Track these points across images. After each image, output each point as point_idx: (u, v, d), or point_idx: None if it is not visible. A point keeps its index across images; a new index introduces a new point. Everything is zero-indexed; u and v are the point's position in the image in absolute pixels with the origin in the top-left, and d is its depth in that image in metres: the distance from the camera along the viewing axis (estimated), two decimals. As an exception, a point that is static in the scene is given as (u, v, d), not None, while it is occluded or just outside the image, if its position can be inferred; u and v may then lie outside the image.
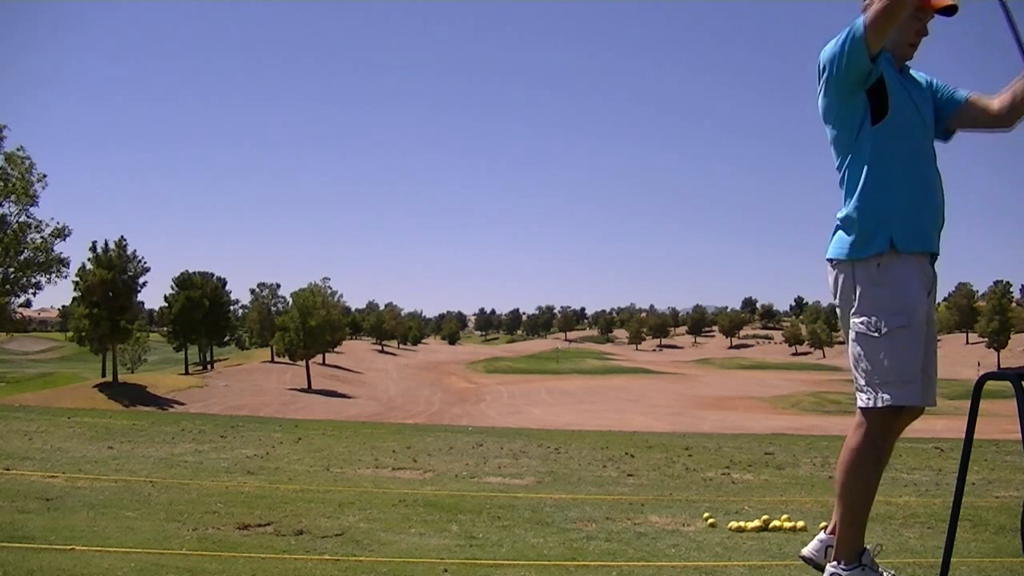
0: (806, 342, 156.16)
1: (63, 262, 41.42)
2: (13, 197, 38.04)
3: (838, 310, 2.67)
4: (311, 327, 77.31)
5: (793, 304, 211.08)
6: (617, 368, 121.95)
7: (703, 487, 6.07)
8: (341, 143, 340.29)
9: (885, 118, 2.54)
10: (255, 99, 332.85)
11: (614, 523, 4.38)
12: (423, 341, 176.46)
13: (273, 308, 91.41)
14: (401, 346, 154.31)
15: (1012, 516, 4.58)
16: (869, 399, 2.52)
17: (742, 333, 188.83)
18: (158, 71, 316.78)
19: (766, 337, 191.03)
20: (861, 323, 2.53)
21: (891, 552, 3.53)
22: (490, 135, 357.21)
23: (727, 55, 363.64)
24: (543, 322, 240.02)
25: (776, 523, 4.22)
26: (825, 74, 2.60)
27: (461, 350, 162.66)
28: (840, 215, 2.62)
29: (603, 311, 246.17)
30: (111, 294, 62.03)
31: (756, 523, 4.21)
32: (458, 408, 65.50)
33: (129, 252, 64.04)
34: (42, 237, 39.93)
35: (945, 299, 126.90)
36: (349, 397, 74.46)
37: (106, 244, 63.37)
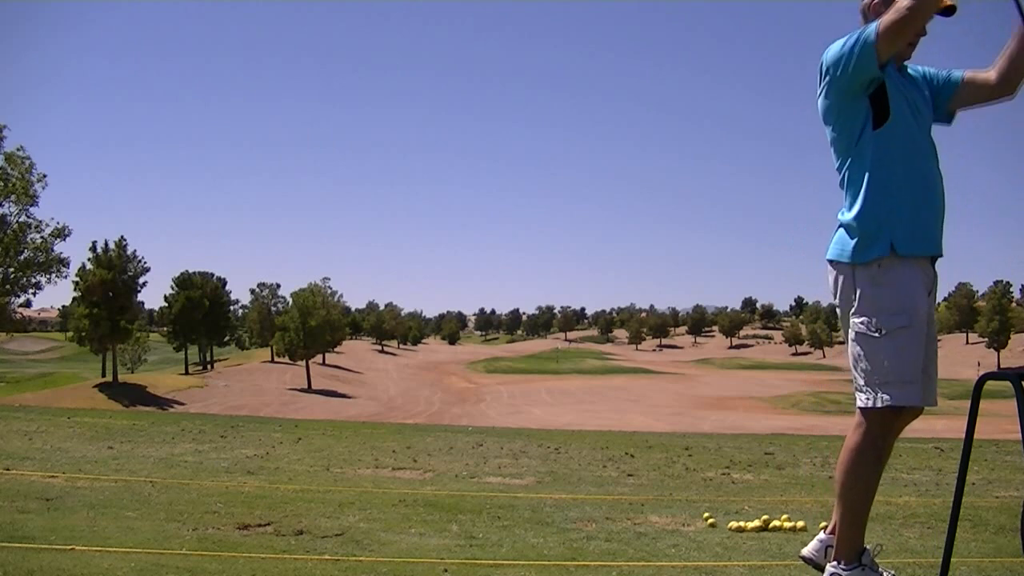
0: (806, 342, 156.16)
1: (63, 262, 41.44)
2: (13, 197, 38.04)
3: (838, 310, 2.67)
4: (311, 327, 77.32)
5: (793, 304, 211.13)
6: (617, 368, 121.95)
7: (703, 487, 6.08)
8: (341, 143, 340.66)
9: (887, 123, 2.53)
10: (255, 99, 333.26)
11: (614, 523, 4.38)
12: (423, 341, 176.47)
13: (273, 308, 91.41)
14: (401, 346, 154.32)
15: (1012, 516, 4.58)
16: (869, 399, 2.52)
17: (742, 333, 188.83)
18: (158, 71, 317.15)
19: (766, 337, 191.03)
20: (861, 323, 2.53)
21: (891, 552, 3.53)
22: (490, 135, 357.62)
23: (727, 55, 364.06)
24: (543, 322, 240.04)
25: (776, 523, 4.22)
26: (828, 76, 2.58)
27: (461, 350, 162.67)
28: (841, 217, 2.62)
29: (603, 311, 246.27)
30: (111, 294, 62.03)
31: (756, 523, 4.21)
32: (458, 408, 65.50)
33: (129, 252, 64.07)
34: (42, 237, 39.95)
35: (945, 299, 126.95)
36: (349, 397, 74.46)
37: (106, 244, 63.43)
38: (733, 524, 4.24)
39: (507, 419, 49.31)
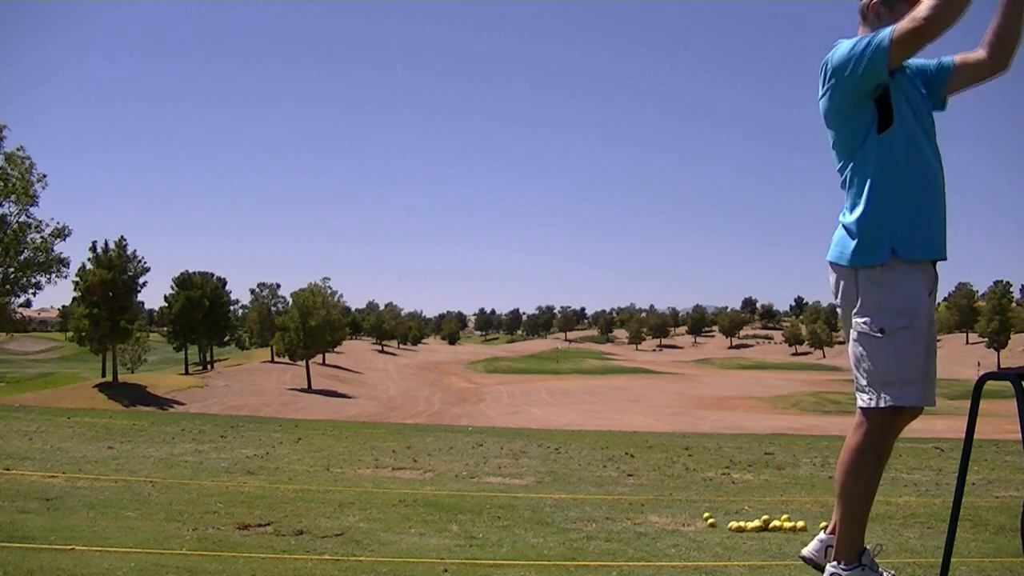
0: (806, 342, 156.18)
1: (63, 262, 41.44)
2: (13, 197, 38.04)
3: (839, 311, 2.67)
4: (311, 327, 77.32)
5: (793, 304, 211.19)
6: (617, 368, 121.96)
7: (703, 487, 6.07)
8: (341, 143, 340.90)
9: (890, 127, 2.52)
10: (255, 99, 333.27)
11: (614, 523, 4.38)
12: (423, 341, 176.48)
13: (273, 308, 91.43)
14: (401, 346, 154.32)
15: (1012, 516, 4.58)
16: (871, 399, 2.52)
17: (742, 333, 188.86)
18: (158, 71, 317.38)
19: (766, 337, 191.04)
20: (863, 323, 2.53)
21: (891, 552, 3.53)
22: (490, 135, 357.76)
23: (727, 55, 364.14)
24: (543, 322, 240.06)
25: (776, 523, 4.22)
26: (833, 79, 2.56)
27: (461, 350, 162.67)
28: (843, 219, 2.61)
29: (603, 311, 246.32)
30: (111, 294, 62.03)
31: (756, 523, 4.21)
32: (458, 408, 65.51)
33: (129, 252, 64.06)
34: (42, 237, 39.94)
35: (945, 299, 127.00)
36: (349, 397, 74.46)
37: (106, 244, 63.44)
38: (733, 524, 4.24)
39: (507, 419, 49.32)
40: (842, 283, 2.60)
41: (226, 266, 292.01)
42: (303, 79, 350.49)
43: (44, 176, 38.91)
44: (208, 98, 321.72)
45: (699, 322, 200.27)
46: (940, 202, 2.58)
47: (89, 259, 62.20)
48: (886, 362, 2.49)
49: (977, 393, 2.48)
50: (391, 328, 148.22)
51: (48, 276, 40.90)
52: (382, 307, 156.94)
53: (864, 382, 2.54)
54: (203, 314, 79.62)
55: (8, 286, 40.05)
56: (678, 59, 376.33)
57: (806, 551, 2.81)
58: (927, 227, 2.54)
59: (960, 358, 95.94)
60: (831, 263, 2.65)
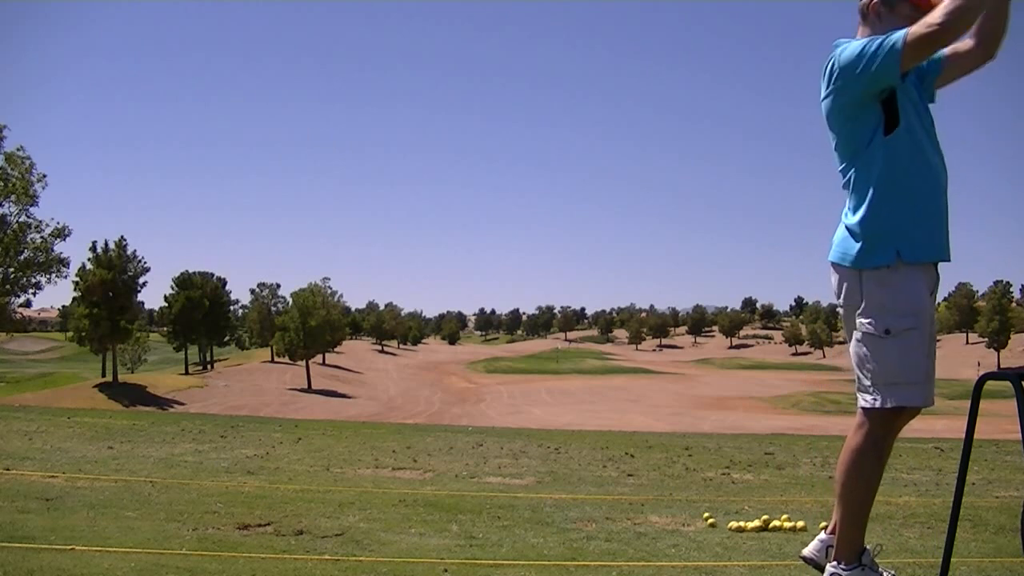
0: (806, 342, 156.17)
1: (63, 262, 41.46)
2: (13, 197, 38.05)
3: (841, 311, 2.66)
4: (311, 327, 77.32)
5: (793, 304, 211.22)
6: (617, 368, 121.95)
7: (703, 487, 6.07)
8: (341, 143, 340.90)
9: (897, 128, 2.51)
10: (255, 99, 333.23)
11: (614, 523, 4.38)
12: (423, 341, 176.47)
13: (273, 308, 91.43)
14: (401, 346, 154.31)
15: (1012, 516, 4.58)
16: (875, 400, 2.51)
17: (742, 333, 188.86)
18: (158, 71, 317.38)
19: (766, 337, 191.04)
20: (868, 324, 2.51)
21: (891, 552, 3.53)
22: (490, 135, 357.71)
23: (727, 55, 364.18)
24: (543, 322, 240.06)
25: (776, 523, 4.22)
26: (840, 80, 2.53)
27: (461, 350, 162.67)
28: (847, 221, 2.59)
29: (603, 311, 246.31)
30: (111, 294, 62.03)
31: (756, 523, 4.21)
32: (458, 408, 65.51)
33: (129, 252, 64.06)
34: (42, 237, 39.96)
35: (945, 299, 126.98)
36: (349, 397, 74.46)
37: (106, 244, 63.43)
38: (733, 524, 4.24)
39: (507, 419, 49.31)
40: (845, 284, 2.59)
41: (226, 266, 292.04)
42: (303, 79, 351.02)
43: (44, 176, 39.01)
44: (208, 98, 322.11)
45: (699, 322, 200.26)
46: (943, 203, 2.57)
47: (89, 259, 62.25)
48: (891, 363, 2.48)
49: (977, 393, 2.48)
50: (391, 328, 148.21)
51: (48, 276, 40.94)
52: (382, 307, 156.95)
53: (868, 383, 2.53)
54: (203, 314, 79.61)
55: (8, 286, 40.06)
56: (678, 59, 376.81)
57: (807, 551, 2.81)
58: (931, 229, 2.53)
59: (960, 358, 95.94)
60: (834, 264, 2.63)
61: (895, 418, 2.55)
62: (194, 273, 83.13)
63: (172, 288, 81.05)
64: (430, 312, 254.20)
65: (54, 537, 3.59)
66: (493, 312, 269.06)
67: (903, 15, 2.53)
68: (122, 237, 64.04)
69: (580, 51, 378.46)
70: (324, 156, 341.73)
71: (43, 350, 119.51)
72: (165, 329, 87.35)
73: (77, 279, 60.44)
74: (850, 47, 2.52)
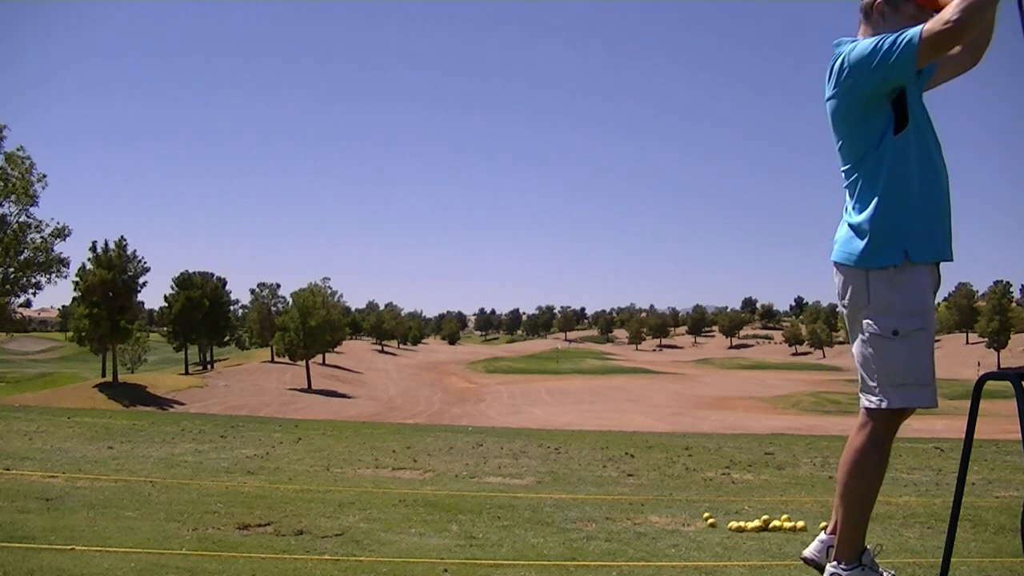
0: (806, 342, 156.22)
1: (63, 262, 41.48)
2: (13, 197, 38.06)
3: (844, 311, 2.64)
4: (311, 327, 77.33)
5: (793, 304, 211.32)
6: (617, 368, 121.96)
7: (703, 487, 6.07)
8: (341, 143, 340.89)
9: (906, 128, 2.49)
10: (255, 99, 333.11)
11: (614, 523, 4.38)
12: (423, 341, 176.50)
13: (273, 308, 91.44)
14: (401, 346, 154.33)
15: (1012, 516, 4.57)
16: (880, 400, 2.50)
17: (742, 333, 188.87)
18: (158, 71, 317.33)
19: (766, 337, 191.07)
20: (876, 325, 2.49)
21: (891, 552, 3.53)
22: (490, 135, 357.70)
23: (727, 55, 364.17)
24: (543, 322, 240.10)
25: (776, 523, 4.22)
26: (850, 78, 2.50)
27: (461, 350, 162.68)
28: (851, 220, 2.57)
29: (603, 311, 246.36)
30: (111, 294, 62.04)
31: (756, 523, 4.21)
32: (458, 408, 65.51)
33: (129, 252, 64.10)
34: (42, 237, 39.97)
35: (945, 299, 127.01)
36: (349, 397, 74.47)
37: (106, 244, 63.46)
38: (733, 524, 4.24)
39: (507, 419, 49.32)
40: (851, 285, 2.56)
41: (226, 266, 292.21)
42: (303, 79, 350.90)
43: (44, 176, 39.04)
44: (208, 98, 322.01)
45: (699, 322, 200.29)
46: (948, 202, 2.57)
47: (89, 259, 62.28)
48: (899, 364, 2.47)
49: (977, 393, 2.48)
50: (391, 328, 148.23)
51: (48, 276, 40.96)
52: (382, 307, 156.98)
53: (873, 383, 2.51)
54: (203, 314, 79.62)
55: (8, 286, 40.07)
56: (678, 59, 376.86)
57: (807, 552, 2.81)
58: (937, 228, 2.53)
59: (960, 358, 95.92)
60: (838, 264, 2.61)
61: (899, 418, 2.55)
62: (194, 273, 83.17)
63: (172, 288, 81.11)
64: (430, 312, 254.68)
65: (54, 537, 3.59)
66: (493, 312, 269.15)
67: (907, 15, 2.53)
68: (122, 237, 64.18)
69: (580, 51, 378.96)
70: (324, 156, 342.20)
71: (43, 350, 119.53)
72: (165, 329, 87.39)
73: (77, 279, 60.49)
74: (861, 44, 2.50)
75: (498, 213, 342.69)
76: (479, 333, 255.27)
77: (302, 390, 74.26)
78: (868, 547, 2.59)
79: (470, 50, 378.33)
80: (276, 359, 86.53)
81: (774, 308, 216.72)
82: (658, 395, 78.43)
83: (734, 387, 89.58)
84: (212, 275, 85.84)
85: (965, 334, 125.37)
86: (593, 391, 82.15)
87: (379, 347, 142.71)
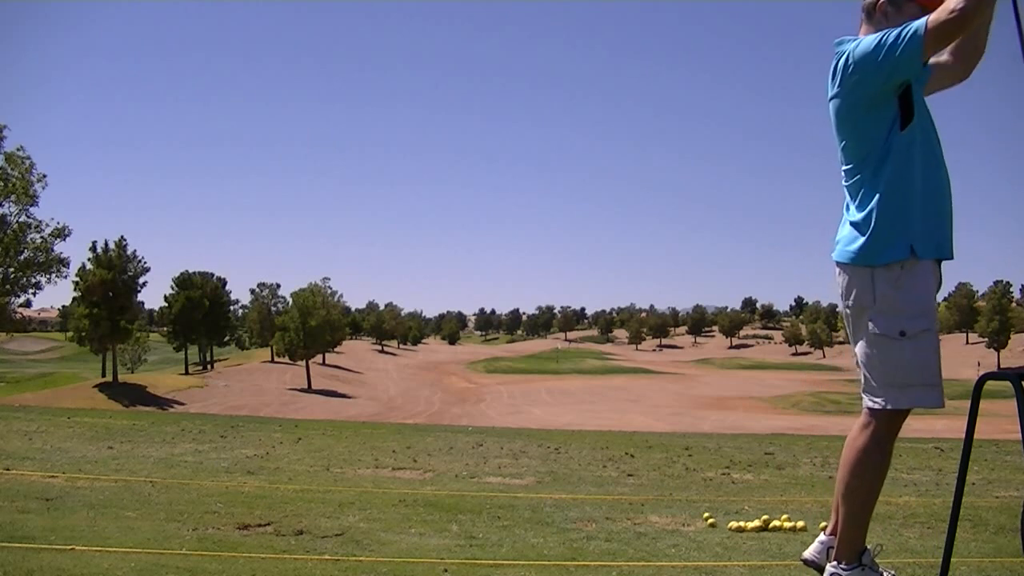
0: (806, 342, 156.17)
1: (63, 262, 41.47)
2: (13, 197, 38.06)
3: (847, 311, 2.61)
4: (311, 327, 77.32)
5: (793, 304, 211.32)
6: (617, 368, 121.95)
7: (703, 487, 6.07)
8: (341, 143, 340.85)
9: (911, 123, 2.48)
10: (255, 99, 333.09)
11: (614, 523, 4.38)
12: (423, 341, 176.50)
13: (273, 308, 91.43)
14: (401, 346, 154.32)
15: (1012, 516, 4.57)
16: (885, 401, 2.48)
17: (742, 333, 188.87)
18: (158, 71, 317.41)
19: (766, 337, 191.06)
20: (881, 326, 2.48)
21: (891, 552, 3.52)
22: (490, 135, 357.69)
23: (727, 55, 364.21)
24: (543, 322, 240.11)
25: (776, 523, 4.22)
26: (856, 74, 2.48)
27: (461, 350, 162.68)
28: (855, 217, 2.55)
29: (603, 311, 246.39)
30: (111, 294, 62.03)
31: (756, 523, 4.21)
32: (458, 408, 65.50)
33: (129, 252, 64.08)
34: (42, 237, 39.97)
35: (945, 299, 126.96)
36: (349, 397, 74.46)
37: (106, 244, 63.44)
38: (733, 524, 4.24)
39: (507, 419, 49.31)
40: (856, 285, 2.54)
41: (226, 266, 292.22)
42: (303, 79, 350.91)
43: (44, 176, 39.02)
44: (208, 98, 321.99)
45: (699, 322, 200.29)
46: (950, 200, 2.56)
47: (89, 259, 62.26)
48: (905, 365, 2.45)
49: (977, 393, 2.48)
50: (391, 328, 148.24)
51: (48, 276, 40.95)
52: (382, 307, 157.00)
53: (878, 384, 2.50)
54: (203, 314, 79.61)
55: (8, 286, 40.06)
56: (678, 59, 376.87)
57: (807, 553, 2.80)
58: (941, 225, 2.52)
59: (960, 358, 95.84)
60: (842, 264, 2.58)
61: (902, 419, 2.54)
62: (194, 273, 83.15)
63: (172, 288, 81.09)
64: (430, 312, 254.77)
65: (54, 537, 3.59)
66: (493, 312, 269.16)
67: (910, 15, 2.51)
68: (122, 237, 64.17)
69: (580, 51, 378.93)
70: (324, 156, 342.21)
71: (43, 350, 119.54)
72: (165, 329, 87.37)
73: (77, 279, 60.48)
74: (865, 40, 2.48)
75: (498, 213, 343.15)
76: (479, 333, 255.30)
77: (302, 390, 74.25)
78: (868, 547, 2.59)
79: (470, 50, 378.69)
80: (276, 359, 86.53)
81: (774, 308, 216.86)
82: (658, 395, 78.42)
83: (734, 387, 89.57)
84: (212, 275, 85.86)
85: (965, 334, 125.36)
86: (593, 391, 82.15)
87: (379, 347, 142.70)
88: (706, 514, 4.53)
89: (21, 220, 38.97)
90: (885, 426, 2.52)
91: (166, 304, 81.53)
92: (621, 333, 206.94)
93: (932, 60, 2.60)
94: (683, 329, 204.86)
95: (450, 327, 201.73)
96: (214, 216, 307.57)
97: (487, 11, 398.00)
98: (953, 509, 2.58)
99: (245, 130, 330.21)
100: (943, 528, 3.51)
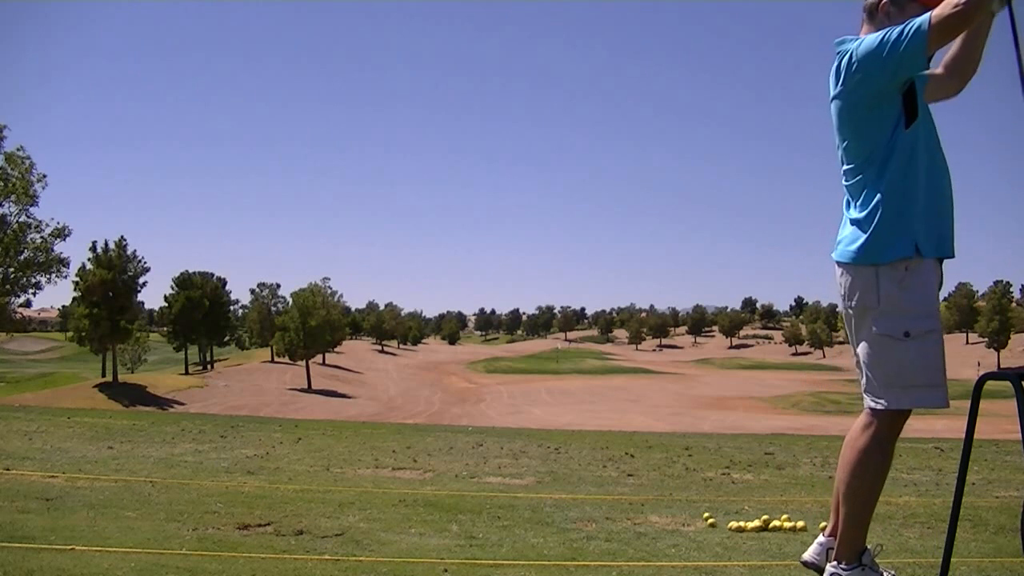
0: (806, 342, 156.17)
1: (63, 262, 41.50)
2: (13, 197, 38.08)
3: (849, 311, 2.59)
4: (311, 327, 77.33)
5: (793, 304, 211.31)
6: (617, 368, 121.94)
7: (703, 487, 6.07)
8: (341, 143, 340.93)
9: (915, 121, 2.47)
10: (255, 99, 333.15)
11: (614, 523, 4.38)
12: (423, 341, 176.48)
13: (273, 308, 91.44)
14: (401, 346, 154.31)
15: (1012, 516, 4.57)
16: (888, 402, 2.48)
17: (742, 333, 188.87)
18: (158, 71, 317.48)
19: (766, 337, 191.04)
20: (886, 327, 2.47)
21: (891, 552, 3.52)
22: (490, 135, 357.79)
23: (727, 55, 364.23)
24: (543, 322, 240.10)
25: (776, 523, 4.22)
26: (860, 72, 2.46)
27: (461, 350, 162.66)
28: (858, 215, 2.53)
29: (603, 311, 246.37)
30: (111, 294, 62.04)
31: (756, 523, 4.21)
32: (458, 408, 65.50)
33: (129, 252, 64.09)
34: (42, 237, 40.00)
35: (945, 299, 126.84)
36: (349, 397, 74.45)
37: (106, 244, 63.45)
38: (733, 524, 4.24)
39: (507, 419, 49.31)
40: (858, 285, 2.52)
41: (226, 266, 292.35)
42: (303, 79, 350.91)
43: (44, 176, 39.08)
44: (208, 98, 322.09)
45: (699, 322, 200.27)
46: (952, 199, 2.55)
47: (89, 259, 62.27)
48: (910, 365, 2.44)
49: (977, 393, 2.48)
50: (391, 328, 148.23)
51: (48, 276, 40.98)
52: (382, 307, 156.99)
53: (880, 384, 2.49)
54: (203, 314, 79.62)
55: (8, 286, 40.08)
56: (678, 59, 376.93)
57: (807, 555, 2.79)
58: (944, 223, 2.51)
59: (960, 358, 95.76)
60: (844, 264, 2.56)
61: (904, 419, 2.54)
62: (194, 273, 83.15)
63: (172, 288, 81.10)
64: (430, 312, 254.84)
65: (54, 537, 3.59)
66: (493, 312, 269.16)
67: (912, 15, 2.51)
68: (122, 237, 64.18)
69: (580, 51, 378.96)
70: (324, 156, 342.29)
71: (43, 350, 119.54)
72: (165, 329, 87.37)
73: (77, 279, 60.49)
74: (868, 39, 2.47)
75: (498, 213, 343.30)
76: (479, 333, 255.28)
77: (302, 390, 74.24)
78: (868, 547, 2.59)
79: (470, 50, 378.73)
80: (276, 359, 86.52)
81: (774, 308, 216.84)
82: (658, 395, 78.42)
83: (734, 387, 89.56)
84: (212, 275, 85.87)
85: (965, 334, 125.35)
86: (593, 391, 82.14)
87: (379, 347, 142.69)
88: (706, 514, 4.53)
89: (21, 220, 39.04)
90: (887, 427, 2.52)
91: (166, 304, 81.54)
92: (621, 333, 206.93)
93: (928, 72, 2.60)
94: (683, 329, 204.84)
95: (450, 327, 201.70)
96: (214, 216, 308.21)
97: (487, 11, 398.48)
98: (953, 509, 2.58)
99: (245, 130, 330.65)
100: (943, 528, 3.51)
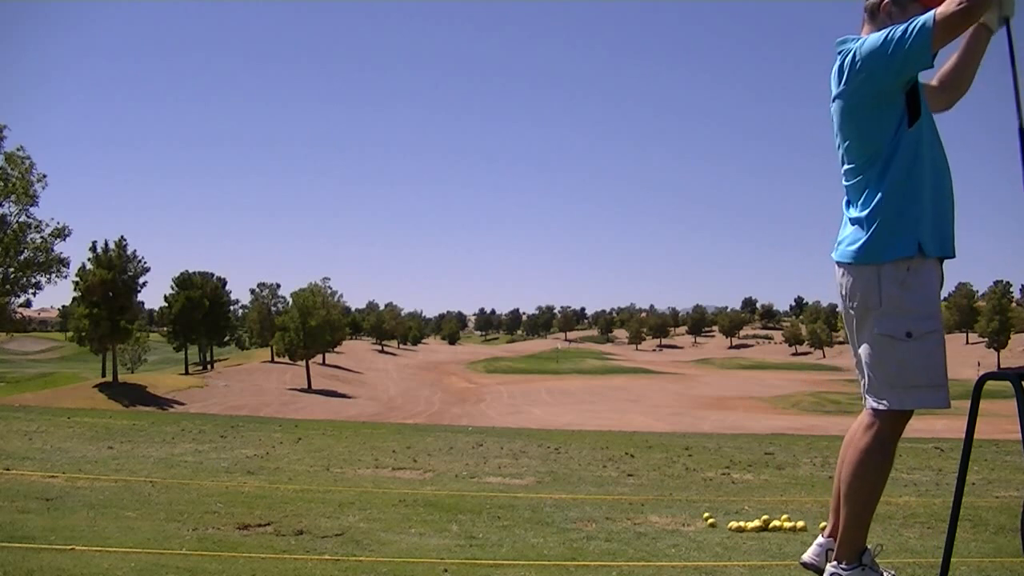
0: (806, 342, 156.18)
1: (63, 262, 41.47)
2: (13, 197, 38.06)
3: (851, 311, 2.58)
4: (311, 327, 77.33)
5: (793, 304, 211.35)
6: (617, 368, 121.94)
7: (703, 487, 6.07)
8: (341, 143, 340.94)
9: (919, 120, 2.47)
10: (255, 99, 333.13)
11: (614, 523, 4.38)
12: (423, 341, 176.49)
13: (273, 308, 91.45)
14: (401, 346, 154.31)
15: (1012, 516, 4.57)
16: (889, 402, 2.47)
17: (742, 333, 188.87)
18: (158, 71, 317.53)
19: (766, 337, 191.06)
20: (888, 327, 2.46)
21: (891, 552, 3.52)
22: (490, 135, 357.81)
23: (727, 55, 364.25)
24: (543, 322, 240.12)
25: (776, 523, 4.22)
26: (863, 71, 2.45)
27: (461, 350, 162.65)
28: (860, 214, 2.52)
29: (603, 311, 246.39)
30: (111, 294, 62.04)
31: (756, 523, 4.21)
32: (458, 408, 65.50)
33: (129, 252, 64.10)
34: (42, 237, 39.97)
35: (945, 299, 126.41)
36: (349, 397, 74.45)
37: (106, 244, 63.46)
38: (733, 524, 4.24)
39: (507, 419, 49.31)
40: (859, 285, 2.51)
41: (226, 266, 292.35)
42: (303, 79, 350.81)
43: (44, 176, 39.02)
44: (208, 98, 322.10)
45: (699, 322, 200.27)
46: (953, 198, 2.55)
47: (89, 259, 62.27)
48: (912, 366, 2.44)
49: (977, 393, 2.48)
50: (391, 328, 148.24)
51: (48, 276, 40.95)
52: (382, 307, 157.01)
53: (882, 385, 2.49)
54: (203, 314, 79.62)
55: (8, 286, 40.06)
56: (678, 59, 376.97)
57: (806, 556, 2.78)
58: (945, 223, 2.51)
59: (960, 358, 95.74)
60: (846, 264, 2.55)
61: (906, 419, 2.54)
62: (194, 273, 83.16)
63: (172, 288, 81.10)
64: (430, 312, 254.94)
65: (54, 537, 3.59)
66: (493, 312, 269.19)
67: (914, 15, 2.51)
68: (122, 237, 64.18)
69: (580, 51, 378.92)
70: (324, 156, 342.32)
71: (43, 350, 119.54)
72: (165, 329, 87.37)
73: (77, 279, 60.49)
74: (871, 38, 2.46)
75: (498, 213, 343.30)
76: (479, 333, 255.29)
77: (302, 390, 74.25)
78: (868, 547, 2.59)
79: (470, 50, 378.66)
80: (276, 359, 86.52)
81: (774, 308, 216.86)
82: (658, 395, 78.41)
83: (734, 387, 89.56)
84: (212, 275, 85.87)
85: (965, 334, 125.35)
86: (593, 391, 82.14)
87: (379, 347, 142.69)
88: (706, 514, 4.53)
89: (21, 220, 39.00)
90: (889, 427, 2.51)
91: (166, 304, 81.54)
92: (621, 333, 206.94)
93: (923, 81, 2.59)
94: (683, 329, 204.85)
95: (450, 327, 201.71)
96: (214, 216, 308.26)
97: (487, 11, 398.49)
98: (953, 509, 2.58)
99: (245, 130, 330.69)
100: (943, 528, 3.51)
